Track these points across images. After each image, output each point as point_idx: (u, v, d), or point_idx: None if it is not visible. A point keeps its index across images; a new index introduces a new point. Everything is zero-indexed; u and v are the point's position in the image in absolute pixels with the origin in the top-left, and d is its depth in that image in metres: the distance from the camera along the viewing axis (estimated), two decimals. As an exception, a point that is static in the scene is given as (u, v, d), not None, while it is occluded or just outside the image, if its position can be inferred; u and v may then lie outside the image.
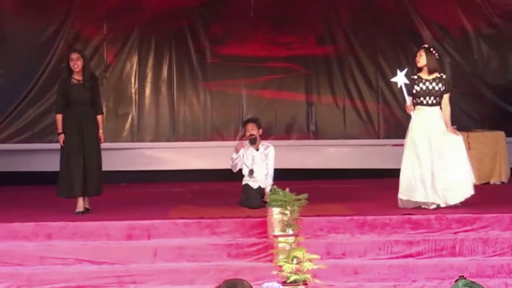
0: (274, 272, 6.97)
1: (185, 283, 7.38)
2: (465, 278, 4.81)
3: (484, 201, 8.74)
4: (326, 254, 7.54)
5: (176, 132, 12.48)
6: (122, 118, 12.36)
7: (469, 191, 8.48)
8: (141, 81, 12.41)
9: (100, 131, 8.86)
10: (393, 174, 11.75)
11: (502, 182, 11.31)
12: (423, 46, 8.94)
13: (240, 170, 9.30)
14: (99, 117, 8.90)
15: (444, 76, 8.70)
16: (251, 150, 9.24)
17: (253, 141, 9.24)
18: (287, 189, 7.63)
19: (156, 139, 12.41)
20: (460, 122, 10.92)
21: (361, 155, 12.32)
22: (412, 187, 8.52)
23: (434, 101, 8.60)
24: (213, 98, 12.53)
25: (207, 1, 12.47)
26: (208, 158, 12.18)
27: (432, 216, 7.97)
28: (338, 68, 12.51)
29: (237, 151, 9.18)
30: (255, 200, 8.88)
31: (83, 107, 8.73)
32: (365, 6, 12.48)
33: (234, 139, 12.22)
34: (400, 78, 8.61)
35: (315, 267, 6.85)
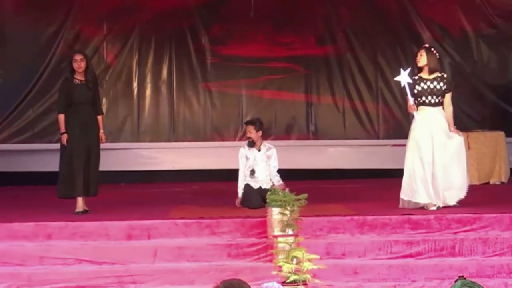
0: (274, 272, 6.97)
1: (185, 283, 7.38)
2: (464, 278, 4.81)
3: (484, 201, 8.75)
4: (326, 254, 7.54)
5: (176, 132, 12.48)
6: (122, 118, 12.36)
7: (462, 193, 8.49)
8: (141, 81, 12.42)
9: (101, 131, 8.89)
10: (393, 175, 11.79)
11: (502, 182, 11.32)
12: (423, 46, 8.94)
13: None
14: (99, 117, 8.92)
15: (445, 76, 8.69)
16: (253, 150, 9.24)
17: (251, 144, 9.24)
18: (286, 189, 7.64)
19: (156, 139, 12.42)
20: (460, 122, 10.90)
21: (361, 156, 12.32)
22: (413, 188, 8.51)
23: (436, 100, 8.59)
24: (213, 98, 12.53)
25: (207, 1, 12.48)
26: (208, 158, 12.19)
27: (431, 216, 7.97)
28: (338, 69, 12.52)
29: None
30: (256, 200, 8.88)
31: (85, 107, 8.76)
32: (365, 7, 12.49)
33: (234, 139, 12.25)
34: (404, 77, 8.61)
35: (315, 267, 6.86)
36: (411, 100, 8.61)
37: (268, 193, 7.70)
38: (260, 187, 9.12)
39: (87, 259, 7.58)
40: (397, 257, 7.61)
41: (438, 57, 8.77)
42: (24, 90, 12.12)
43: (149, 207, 9.07)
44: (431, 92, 8.57)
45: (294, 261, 6.86)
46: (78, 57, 8.77)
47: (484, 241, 7.69)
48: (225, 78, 12.55)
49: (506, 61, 12.52)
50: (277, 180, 9.19)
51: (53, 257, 7.59)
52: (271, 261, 7.39)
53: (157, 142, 12.40)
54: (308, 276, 6.81)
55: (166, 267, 7.53)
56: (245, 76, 12.53)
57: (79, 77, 8.77)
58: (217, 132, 12.51)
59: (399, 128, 12.49)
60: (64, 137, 8.68)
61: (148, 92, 12.45)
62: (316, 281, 6.90)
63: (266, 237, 7.70)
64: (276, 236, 7.37)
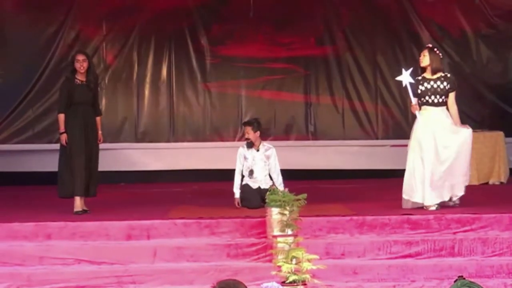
0: (273, 272, 6.97)
1: (184, 283, 7.38)
2: (464, 278, 4.80)
3: (483, 201, 8.76)
4: (325, 254, 7.55)
5: (176, 133, 12.48)
6: (122, 119, 12.36)
7: (466, 180, 8.53)
8: (140, 81, 12.42)
9: (99, 132, 8.89)
10: (392, 175, 11.81)
11: (501, 182, 11.32)
12: (426, 46, 8.93)
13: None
14: (98, 118, 8.94)
15: (448, 75, 8.68)
16: (252, 150, 9.25)
17: (249, 145, 9.25)
18: (286, 189, 7.64)
19: (155, 139, 12.42)
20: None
21: (360, 156, 12.33)
22: (413, 187, 8.52)
23: (440, 100, 8.59)
24: (212, 98, 12.54)
25: (207, 1, 12.48)
26: (207, 158, 12.20)
27: (431, 217, 7.98)
28: (337, 69, 12.52)
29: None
30: (255, 200, 8.88)
31: (86, 107, 8.76)
32: (365, 7, 12.49)
33: (233, 140, 12.26)
34: (405, 77, 8.62)
35: (314, 267, 6.86)
36: (413, 100, 8.60)
37: (268, 193, 7.70)
38: (259, 187, 9.12)
39: (86, 259, 7.58)
40: (396, 257, 7.62)
41: (441, 57, 8.77)
42: (24, 90, 12.13)
43: (148, 207, 9.08)
44: (434, 92, 8.57)
45: (294, 261, 6.86)
46: (80, 57, 8.78)
47: (484, 241, 7.69)
48: (224, 78, 12.55)
49: (505, 61, 12.53)
50: (280, 183, 9.14)
51: (53, 257, 7.59)
52: (270, 261, 7.39)
53: (156, 142, 12.40)
54: (308, 276, 6.81)
55: (165, 267, 7.53)
56: (244, 77, 12.54)
57: (80, 77, 8.77)
58: (216, 132, 12.52)
59: (398, 128, 12.51)
60: (64, 137, 8.68)
61: (147, 92, 12.45)
62: (316, 281, 6.90)
63: (265, 237, 7.70)
64: (275, 236, 7.37)
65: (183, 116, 12.50)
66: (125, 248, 7.73)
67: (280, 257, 7.07)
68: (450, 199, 8.57)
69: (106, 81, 12.32)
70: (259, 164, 9.22)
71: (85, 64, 8.73)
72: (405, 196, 8.57)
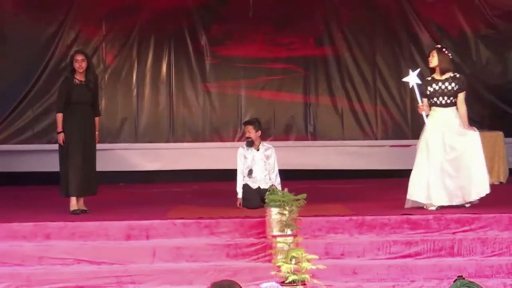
0: (273, 273, 6.97)
1: (184, 283, 7.37)
2: (463, 278, 4.81)
3: (483, 201, 8.73)
4: (325, 254, 7.54)
5: (175, 133, 12.49)
6: (121, 119, 12.36)
7: (485, 189, 8.47)
8: (140, 81, 12.42)
9: (97, 132, 8.89)
10: (391, 175, 11.84)
11: (501, 182, 11.32)
12: (435, 46, 8.92)
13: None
14: (97, 118, 8.93)
15: (457, 75, 8.65)
16: (252, 150, 9.25)
17: (250, 144, 9.25)
18: (285, 189, 7.65)
19: (155, 139, 12.42)
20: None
21: (359, 156, 12.33)
22: (416, 188, 8.52)
23: (448, 101, 8.58)
24: (212, 99, 12.54)
25: (206, 1, 12.49)
26: (206, 158, 12.20)
27: (430, 217, 7.98)
28: (336, 69, 12.53)
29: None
30: (254, 200, 8.88)
31: (85, 107, 8.75)
32: (364, 7, 12.50)
33: (233, 140, 12.26)
34: (412, 78, 8.62)
35: (314, 267, 6.86)
36: (420, 101, 8.60)
37: (267, 193, 7.70)
38: (259, 187, 9.12)
39: (86, 259, 7.58)
40: (396, 257, 7.61)
41: (450, 57, 8.76)
42: (23, 90, 12.14)
43: (148, 207, 9.07)
44: (442, 93, 8.56)
45: (293, 261, 6.86)
46: (79, 57, 8.77)
47: (483, 241, 7.69)
48: (224, 78, 12.56)
49: (504, 61, 12.54)
50: (278, 183, 9.17)
51: (52, 257, 7.59)
52: (270, 261, 7.39)
53: (156, 143, 12.40)
54: (307, 276, 6.81)
55: (165, 267, 7.53)
56: (244, 77, 12.54)
57: (79, 77, 8.77)
58: (216, 133, 12.52)
59: (397, 129, 12.52)
60: (61, 137, 8.67)
61: (147, 92, 12.45)
62: (315, 281, 6.90)
63: (265, 237, 7.70)
64: (275, 236, 7.37)
65: (183, 117, 12.50)
66: (124, 248, 7.73)
67: (279, 257, 7.07)
68: (463, 206, 8.53)
69: (106, 81, 12.32)
70: (259, 163, 9.22)
71: (84, 64, 8.72)
72: (408, 196, 8.57)
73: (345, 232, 7.89)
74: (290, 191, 7.59)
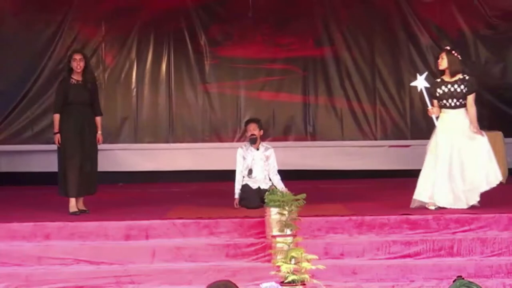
0: (272, 273, 6.95)
1: (183, 283, 7.37)
2: (463, 278, 4.81)
3: (482, 201, 8.73)
4: (324, 254, 7.54)
5: (175, 133, 12.49)
6: (121, 119, 12.37)
7: (483, 189, 8.48)
8: (139, 82, 12.43)
9: (99, 132, 8.85)
10: (390, 175, 11.85)
11: (500, 183, 11.29)
12: (444, 48, 8.89)
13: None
14: (98, 118, 8.89)
15: (467, 77, 8.62)
16: (251, 150, 9.25)
17: (253, 141, 9.25)
18: (285, 189, 7.64)
19: (154, 140, 12.43)
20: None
21: (358, 157, 12.34)
22: (423, 188, 8.52)
23: (458, 103, 8.57)
24: (211, 99, 12.54)
25: (206, 2, 12.48)
26: (206, 159, 12.20)
27: (430, 216, 7.97)
28: (335, 70, 12.53)
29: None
30: (254, 200, 8.88)
31: (82, 107, 8.72)
32: (363, 8, 12.50)
33: (232, 141, 12.26)
34: (420, 82, 8.62)
35: (313, 267, 6.85)
36: (429, 104, 8.59)
37: (267, 193, 7.70)
38: (259, 187, 9.11)
39: (85, 259, 7.57)
40: (395, 257, 7.61)
41: (459, 58, 8.75)
42: (22, 90, 12.14)
43: (147, 208, 9.07)
44: (451, 95, 8.55)
45: (293, 261, 6.85)
46: (77, 56, 8.75)
47: (483, 241, 7.68)
48: (223, 79, 12.57)
49: (503, 61, 12.54)
50: (278, 180, 9.17)
51: (52, 257, 7.58)
52: (269, 261, 7.38)
53: (155, 143, 12.40)
54: (307, 276, 6.80)
55: (164, 267, 7.52)
56: (243, 77, 12.55)
57: (76, 77, 8.75)
58: (215, 133, 12.52)
59: (396, 129, 12.52)
60: (57, 137, 8.65)
61: (146, 93, 12.46)
62: (315, 281, 6.88)
63: (264, 237, 7.70)
64: (274, 236, 7.37)
65: (182, 117, 12.51)
66: (123, 248, 7.72)
67: (279, 257, 7.06)
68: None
69: (105, 81, 12.32)
70: (258, 163, 9.22)
71: (82, 64, 8.70)
72: (414, 195, 8.57)
73: (345, 232, 7.88)
74: (289, 191, 7.59)
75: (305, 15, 12.46)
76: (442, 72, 8.70)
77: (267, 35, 12.51)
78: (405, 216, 8.01)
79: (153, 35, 12.42)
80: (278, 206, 7.40)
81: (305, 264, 6.79)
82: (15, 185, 11.63)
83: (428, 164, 8.58)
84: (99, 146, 8.94)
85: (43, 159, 11.44)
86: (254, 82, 12.57)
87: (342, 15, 12.51)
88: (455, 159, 8.46)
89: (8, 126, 12.13)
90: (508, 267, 7.46)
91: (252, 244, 7.69)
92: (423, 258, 7.60)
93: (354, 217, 8.00)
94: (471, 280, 4.83)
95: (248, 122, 9.47)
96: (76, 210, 8.61)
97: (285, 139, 12.44)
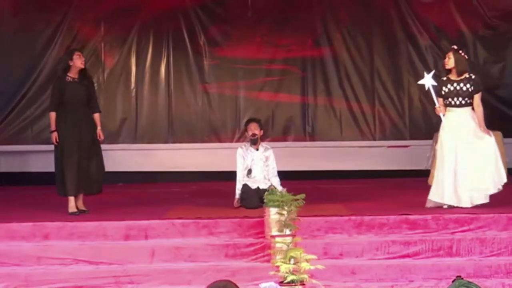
0: (272, 273, 6.95)
1: (182, 283, 7.37)
2: (462, 278, 4.81)
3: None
4: (324, 254, 7.54)
5: (174, 134, 12.48)
6: (120, 119, 12.36)
7: (491, 191, 8.48)
8: (138, 82, 12.42)
9: (99, 128, 8.82)
10: (389, 175, 11.85)
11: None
12: (451, 47, 8.90)
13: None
14: (97, 115, 8.87)
15: (473, 77, 8.62)
16: (251, 150, 9.25)
17: (254, 141, 9.25)
18: (284, 189, 7.64)
19: (153, 140, 12.42)
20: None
21: (357, 157, 12.34)
22: (435, 187, 8.54)
23: (463, 102, 8.57)
24: (210, 99, 12.54)
25: (205, 2, 12.48)
26: (205, 159, 12.20)
27: (429, 216, 7.97)
28: (334, 70, 12.53)
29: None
30: (253, 200, 8.88)
31: (79, 105, 8.71)
32: (362, 8, 12.51)
33: (231, 141, 12.26)
34: (427, 81, 8.63)
35: (312, 267, 6.84)
36: (437, 102, 8.60)
37: (266, 193, 7.70)
38: (258, 187, 9.11)
39: (84, 259, 7.58)
40: (394, 257, 7.61)
41: (466, 58, 8.76)
42: (22, 91, 12.14)
43: (146, 208, 9.07)
44: (457, 93, 8.55)
45: (292, 261, 6.85)
46: (79, 53, 8.79)
47: (482, 241, 7.69)
48: (222, 79, 12.56)
49: (502, 62, 12.54)
50: (277, 182, 9.17)
51: (51, 257, 7.58)
52: (268, 261, 7.38)
53: (154, 144, 12.40)
54: (306, 276, 6.79)
55: (163, 267, 7.52)
56: (242, 78, 12.55)
57: (72, 75, 8.74)
58: (214, 134, 12.52)
59: (395, 129, 12.52)
60: (54, 136, 8.64)
61: (146, 93, 12.45)
62: (314, 281, 6.88)
63: (263, 237, 7.70)
64: (273, 236, 7.37)
65: (181, 117, 12.50)
66: (123, 248, 7.72)
67: (278, 257, 7.06)
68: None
69: (105, 82, 12.32)
70: (258, 163, 9.22)
71: (83, 60, 8.76)
72: (429, 196, 8.58)
73: (344, 232, 7.88)
74: (288, 191, 7.59)
75: (304, 16, 12.46)
76: (448, 71, 8.71)
77: (266, 36, 12.51)
78: (404, 216, 8.01)
79: (153, 35, 12.41)
80: (277, 206, 7.41)
81: (304, 264, 6.79)
82: (14, 185, 11.62)
83: (437, 164, 8.60)
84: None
85: (43, 159, 11.43)
86: (253, 83, 12.57)
87: (341, 16, 12.52)
88: (460, 158, 8.46)
89: (7, 126, 12.13)
90: (507, 267, 7.46)
91: (251, 244, 7.69)
92: (422, 258, 7.60)
93: (353, 217, 8.00)
94: (470, 280, 4.82)
95: (248, 122, 9.46)
96: (76, 210, 8.60)
97: (284, 140, 12.44)
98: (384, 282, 7.39)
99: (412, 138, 12.40)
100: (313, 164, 12.26)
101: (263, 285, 6.12)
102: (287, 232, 7.33)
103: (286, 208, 7.37)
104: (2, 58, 12.10)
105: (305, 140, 12.54)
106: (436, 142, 9.21)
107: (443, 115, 8.62)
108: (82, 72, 8.78)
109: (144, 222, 7.95)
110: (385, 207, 8.67)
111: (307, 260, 6.83)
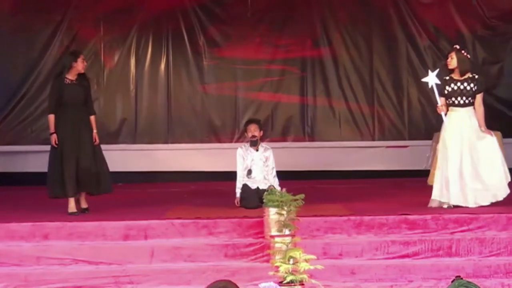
0: (271, 273, 6.95)
1: (182, 283, 7.37)
2: (461, 278, 4.80)
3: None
4: (323, 254, 7.54)
5: (173, 134, 12.48)
6: (120, 120, 12.36)
7: (501, 193, 8.48)
8: (138, 82, 12.42)
9: (94, 131, 8.83)
10: (388, 175, 11.85)
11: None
12: (454, 47, 8.91)
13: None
14: (92, 117, 8.87)
15: (476, 76, 8.64)
16: (251, 150, 9.25)
17: (254, 143, 9.25)
18: (283, 189, 7.64)
19: (153, 140, 12.42)
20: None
21: (356, 157, 12.35)
22: (438, 187, 8.54)
23: (467, 101, 8.58)
24: (210, 100, 12.54)
25: (204, 3, 12.49)
26: (204, 159, 12.20)
27: (428, 217, 7.97)
28: (333, 70, 12.54)
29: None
30: (253, 200, 8.88)
31: (77, 107, 8.71)
32: (361, 9, 12.51)
33: (231, 141, 12.26)
34: (431, 79, 8.63)
35: (312, 267, 6.84)
36: (439, 101, 8.60)
37: (265, 193, 7.70)
38: (258, 187, 9.11)
39: (84, 259, 7.57)
40: (394, 257, 7.61)
41: (469, 57, 8.76)
42: (21, 91, 12.14)
43: (146, 208, 9.08)
44: (461, 93, 8.56)
45: (291, 261, 6.85)
46: (83, 57, 8.83)
47: (481, 241, 7.69)
48: (222, 79, 12.56)
49: (501, 62, 12.55)
50: (276, 184, 9.16)
51: (50, 257, 7.58)
52: (268, 261, 7.39)
53: (154, 144, 12.40)
54: (305, 276, 6.79)
55: (163, 267, 7.52)
56: (242, 78, 12.55)
57: (70, 77, 8.74)
58: (213, 134, 12.52)
59: (394, 129, 12.53)
60: (53, 138, 8.64)
61: (145, 93, 12.45)
62: (313, 281, 6.88)
63: (263, 237, 7.70)
64: (273, 236, 7.38)
65: (181, 118, 12.51)
66: (122, 248, 7.72)
67: (277, 257, 7.06)
68: None
69: (104, 82, 12.32)
70: (258, 164, 9.22)
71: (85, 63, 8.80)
72: (432, 196, 8.58)
73: (343, 232, 7.88)
74: (288, 191, 7.59)
75: (304, 16, 12.47)
76: (451, 71, 8.71)
77: (266, 36, 12.52)
78: (403, 216, 8.01)
79: (152, 36, 12.41)
80: (277, 206, 7.41)
81: (304, 264, 6.79)
82: (13, 186, 11.62)
83: (440, 164, 8.59)
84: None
85: (42, 159, 11.35)
86: (252, 83, 12.57)
87: (341, 16, 12.52)
88: (465, 157, 8.46)
89: (6, 126, 12.13)
90: (506, 267, 7.46)
91: (250, 244, 7.69)
92: (422, 258, 7.60)
93: (352, 217, 8.00)
94: (469, 280, 4.82)
95: (248, 123, 9.46)
96: (75, 210, 8.60)
97: (284, 140, 12.45)
98: (383, 282, 7.39)
99: (411, 138, 12.41)
100: (313, 164, 12.26)
101: (262, 285, 6.12)
102: (287, 232, 7.33)
103: (285, 208, 7.37)
104: (2, 58, 12.11)
105: (304, 140, 12.55)
106: (436, 142, 9.22)
107: (445, 114, 8.62)
108: (81, 74, 8.78)
109: (144, 222, 7.95)
110: (384, 207, 8.66)
111: (306, 260, 6.83)
